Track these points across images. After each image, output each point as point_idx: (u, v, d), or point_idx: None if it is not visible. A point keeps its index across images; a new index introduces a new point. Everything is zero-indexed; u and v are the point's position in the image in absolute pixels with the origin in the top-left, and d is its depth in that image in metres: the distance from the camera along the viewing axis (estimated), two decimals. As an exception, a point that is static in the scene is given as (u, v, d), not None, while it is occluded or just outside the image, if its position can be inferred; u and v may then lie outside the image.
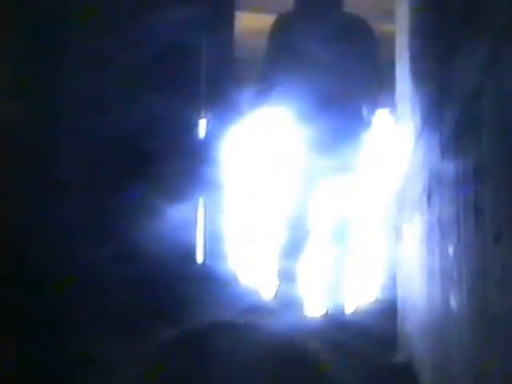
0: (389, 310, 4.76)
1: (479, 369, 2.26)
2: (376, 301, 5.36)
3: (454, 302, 2.65)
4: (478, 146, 2.16)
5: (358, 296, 5.63)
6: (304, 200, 5.22)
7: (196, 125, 5.07)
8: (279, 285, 5.21)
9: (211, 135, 5.15)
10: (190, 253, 5.08)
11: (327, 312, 5.22)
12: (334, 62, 5.01)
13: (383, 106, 5.59)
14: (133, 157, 4.48)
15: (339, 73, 5.09)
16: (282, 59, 5.28)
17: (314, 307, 5.40)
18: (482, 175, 2.12)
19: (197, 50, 4.94)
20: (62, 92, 4.39)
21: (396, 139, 4.76)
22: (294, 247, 5.23)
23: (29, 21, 4.25)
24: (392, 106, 5.08)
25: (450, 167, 2.68)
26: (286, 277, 5.18)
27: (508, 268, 1.85)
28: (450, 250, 2.68)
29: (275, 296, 5.22)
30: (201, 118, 5.13)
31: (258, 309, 4.96)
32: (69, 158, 4.29)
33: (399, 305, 4.58)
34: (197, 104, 5.14)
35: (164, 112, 4.58)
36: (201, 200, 5.06)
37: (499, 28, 1.87)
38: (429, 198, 3.25)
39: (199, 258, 5.17)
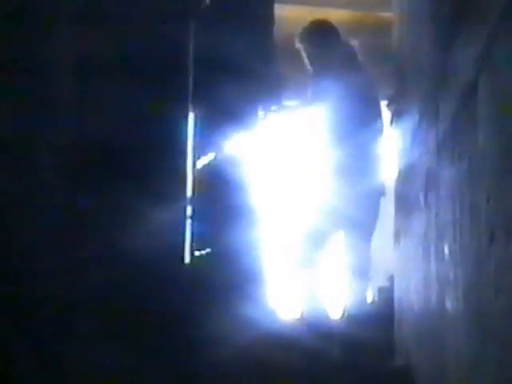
0: (386, 314, 4.77)
1: (475, 373, 2.27)
2: (373, 304, 5.36)
3: (449, 305, 2.66)
4: (474, 143, 2.16)
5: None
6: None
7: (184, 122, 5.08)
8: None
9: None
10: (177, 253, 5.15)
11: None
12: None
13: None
14: (119, 156, 4.50)
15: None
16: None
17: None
18: (477, 174, 2.13)
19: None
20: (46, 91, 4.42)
21: (394, 135, 4.77)
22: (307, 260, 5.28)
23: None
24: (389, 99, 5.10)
25: (445, 165, 2.68)
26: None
27: (502, 269, 1.86)
28: (446, 250, 2.68)
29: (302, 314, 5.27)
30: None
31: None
32: (52, 156, 4.31)
33: (396, 308, 4.59)
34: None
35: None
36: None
37: (493, 21, 1.87)
38: (425, 197, 3.26)
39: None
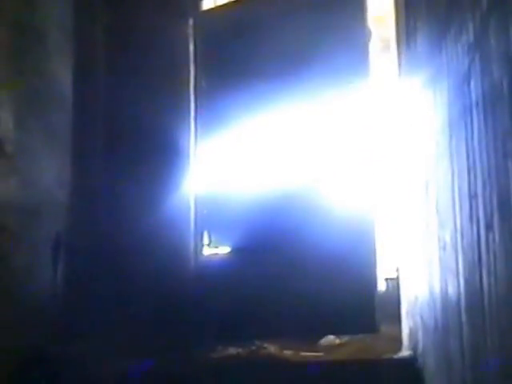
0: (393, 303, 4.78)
1: (476, 356, 2.29)
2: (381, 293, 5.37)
3: (452, 293, 2.67)
4: (470, 132, 2.19)
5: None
6: None
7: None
8: None
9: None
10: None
11: None
12: None
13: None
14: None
15: None
16: None
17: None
18: (474, 163, 2.15)
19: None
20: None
21: (395, 124, 4.77)
22: None
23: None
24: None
25: (444, 155, 2.70)
26: None
27: (499, 256, 1.89)
28: (447, 239, 2.70)
29: None
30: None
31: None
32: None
33: (402, 297, 4.60)
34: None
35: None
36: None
37: (484, 10, 1.90)
38: (427, 186, 3.27)
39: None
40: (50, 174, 5.18)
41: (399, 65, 4.53)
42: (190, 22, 5.78)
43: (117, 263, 5.34)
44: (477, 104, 2.08)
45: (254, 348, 4.75)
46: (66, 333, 4.91)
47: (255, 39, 5.53)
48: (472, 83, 2.12)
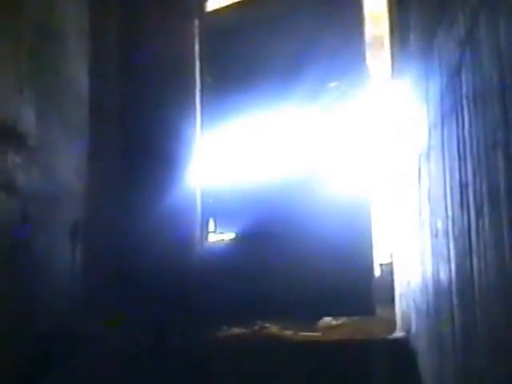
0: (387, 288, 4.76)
1: (467, 338, 2.26)
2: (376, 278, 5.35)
3: (443, 277, 2.64)
4: (461, 124, 2.15)
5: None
6: None
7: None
8: None
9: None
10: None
11: None
12: None
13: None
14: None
15: None
16: None
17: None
18: (465, 153, 2.11)
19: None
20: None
21: (390, 116, 4.73)
22: None
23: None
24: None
25: (437, 145, 2.66)
26: None
27: (489, 242, 1.85)
28: (439, 226, 2.66)
29: None
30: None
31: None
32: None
33: (396, 282, 4.57)
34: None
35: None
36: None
37: (474, 5, 1.85)
38: (419, 176, 3.24)
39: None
40: (69, 165, 5.21)
41: (393, 60, 4.49)
42: (196, 22, 5.81)
43: (128, 248, 5.34)
44: (467, 97, 2.05)
45: (256, 328, 4.73)
46: (82, 311, 4.95)
47: (257, 38, 5.54)
48: (463, 76, 2.09)
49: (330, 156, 5.45)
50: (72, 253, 5.12)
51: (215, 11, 5.84)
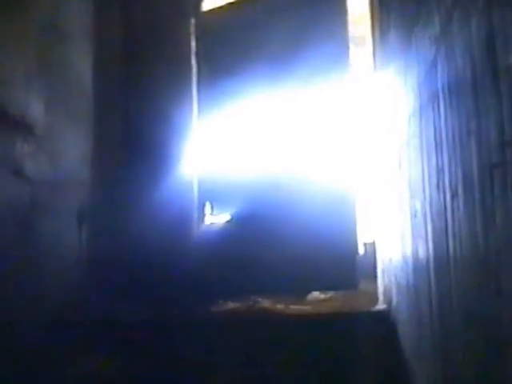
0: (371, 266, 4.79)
1: (443, 310, 2.29)
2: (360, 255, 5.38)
3: (422, 255, 2.66)
4: (437, 113, 2.16)
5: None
6: None
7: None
8: None
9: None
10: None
11: None
12: None
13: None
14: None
15: None
16: None
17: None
18: (441, 140, 2.13)
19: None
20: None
21: (371, 106, 4.75)
22: None
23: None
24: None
25: (415, 134, 2.68)
26: None
27: (463, 222, 1.87)
28: (418, 207, 2.68)
29: None
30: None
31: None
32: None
33: (378, 260, 4.60)
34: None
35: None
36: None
37: (448, 6, 1.87)
38: (400, 161, 3.25)
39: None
40: (74, 153, 5.22)
41: (375, 56, 4.49)
42: (192, 21, 5.80)
43: (130, 230, 5.35)
44: (443, 89, 2.06)
45: (250, 302, 4.75)
46: (88, 289, 4.97)
47: (248, 35, 5.54)
48: (438, 71, 2.10)
49: (318, 143, 5.46)
50: (78, 235, 5.12)
51: (211, 10, 5.84)
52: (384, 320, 4.06)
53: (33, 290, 4.32)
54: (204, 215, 5.78)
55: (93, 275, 5.12)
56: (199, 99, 5.81)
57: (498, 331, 1.60)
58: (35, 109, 4.53)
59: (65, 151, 5.01)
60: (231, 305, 4.75)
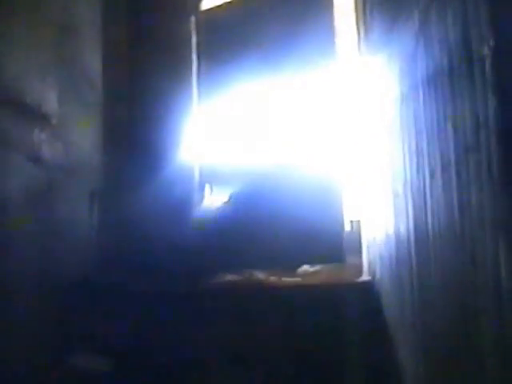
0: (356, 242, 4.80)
1: (422, 281, 2.29)
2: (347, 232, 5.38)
3: (403, 231, 2.67)
4: (417, 101, 2.16)
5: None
6: None
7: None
8: None
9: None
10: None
11: None
12: None
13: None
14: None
15: None
16: None
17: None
18: (421, 126, 2.13)
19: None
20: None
21: (358, 98, 4.74)
22: None
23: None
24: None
25: (397, 120, 2.67)
26: None
27: (440, 200, 1.87)
28: (400, 188, 2.68)
29: None
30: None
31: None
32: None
33: (363, 236, 4.61)
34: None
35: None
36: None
37: (427, 2, 1.87)
38: (384, 145, 3.25)
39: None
40: (86, 141, 5.23)
41: (359, 48, 4.48)
42: (192, 19, 5.78)
43: (135, 211, 5.34)
44: (422, 79, 2.06)
45: (246, 275, 4.76)
46: (100, 265, 4.99)
47: (244, 30, 5.53)
48: (418, 62, 2.09)
49: (308, 126, 5.46)
50: (90, 217, 5.14)
51: (210, 9, 5.82)
52: (368, 290, 4.08)
53: (49, 265, 4.33)
54: (204, 197, 5.78)
55: (102, 251, 5.13)
56: (199, 88, 5.79)
57: (473, 299, 1.60)
58: (50, 99, 4.53)
59: (77, 139, 5.01)
60: (229, 277, 4.76)
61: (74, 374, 4.14)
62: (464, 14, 1.54)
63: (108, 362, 4.26)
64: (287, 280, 4.53)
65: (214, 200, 5.73)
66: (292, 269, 4.81)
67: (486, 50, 1.37)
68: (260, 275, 4.72)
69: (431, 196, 2.01)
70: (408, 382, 2.79)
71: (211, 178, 5.78)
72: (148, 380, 4.28)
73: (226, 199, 5.64)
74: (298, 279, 4.57)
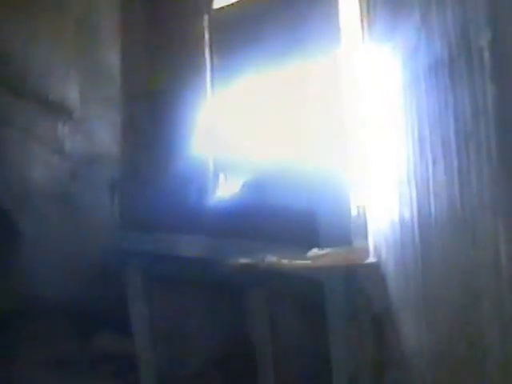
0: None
1: (425, 262, 2.30)
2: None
3: (407, 216, 2.66)
4: (419, 91, 2.15)
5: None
6: None
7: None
8: None
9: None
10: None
11: None
12: None
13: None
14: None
15: None
16: None
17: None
18: (423, 114, 2.12)
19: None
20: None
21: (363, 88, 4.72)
22: None
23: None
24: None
25: (401, 109, 2.67)
26: None
27: (442, 184, 1.87)
28: (404, 174, 2.67)
29: None
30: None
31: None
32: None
33: (369, 220, 4.59)
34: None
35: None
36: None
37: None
38: (387, 134, 3.24)
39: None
40: (107, 132, 5.25)
41: (364, 41, 4.44)
42: (205, 17, 5.78)
43: (153, 199, 5.34)
44: (424, 70, 2.05)
45: (259, 258, 4.77)
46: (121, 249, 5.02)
47: (254, 27, 5.50)
48: (420, 54, 2.08)
49: (315, 117, 5.42)
50: (111, 203, 5.16)
51: (222, 8, 5.81)
52: (374, 271, 4.07)
53: (73, 249, 4.36)
54: (218, 184, 5.77)
55: (122, 237, 5.16)
56: (212, 82, 5.78)
57: (474, 280, 1.60)
58: (72, 96, 4.56)
59: (98, 132, 5.04)
60: (243, 260, 4.77)
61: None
62: (463, 7, 1.54)
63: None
64: (298, 263, 4.54)
65: (227, 188, 5.73)
66: (302, 252, 4.81)
67: (484, 41, 1.37)
68: (272, 258, 4.73)
69: (434, 180, 2.00)
70: (411, 357, 2.80)
71: (225, 167, 5.77)
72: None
73: (239, 188, 5.64)
74: (308, 262, 4.57)
